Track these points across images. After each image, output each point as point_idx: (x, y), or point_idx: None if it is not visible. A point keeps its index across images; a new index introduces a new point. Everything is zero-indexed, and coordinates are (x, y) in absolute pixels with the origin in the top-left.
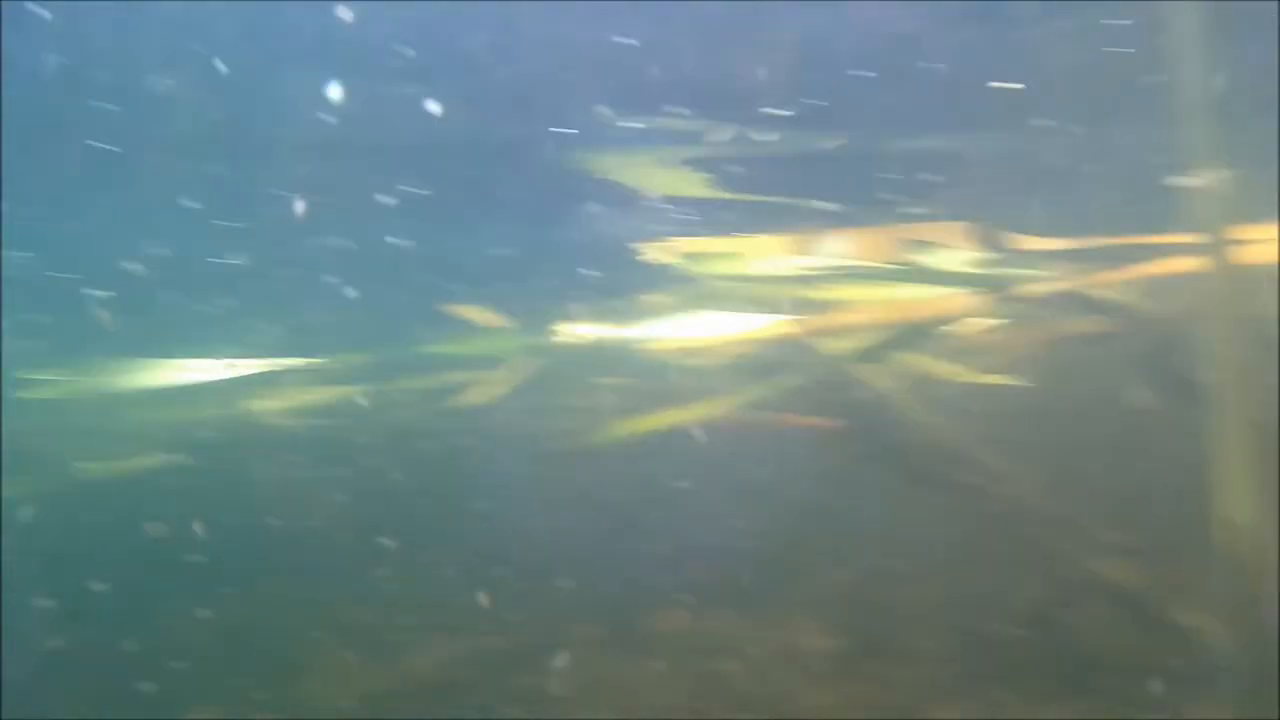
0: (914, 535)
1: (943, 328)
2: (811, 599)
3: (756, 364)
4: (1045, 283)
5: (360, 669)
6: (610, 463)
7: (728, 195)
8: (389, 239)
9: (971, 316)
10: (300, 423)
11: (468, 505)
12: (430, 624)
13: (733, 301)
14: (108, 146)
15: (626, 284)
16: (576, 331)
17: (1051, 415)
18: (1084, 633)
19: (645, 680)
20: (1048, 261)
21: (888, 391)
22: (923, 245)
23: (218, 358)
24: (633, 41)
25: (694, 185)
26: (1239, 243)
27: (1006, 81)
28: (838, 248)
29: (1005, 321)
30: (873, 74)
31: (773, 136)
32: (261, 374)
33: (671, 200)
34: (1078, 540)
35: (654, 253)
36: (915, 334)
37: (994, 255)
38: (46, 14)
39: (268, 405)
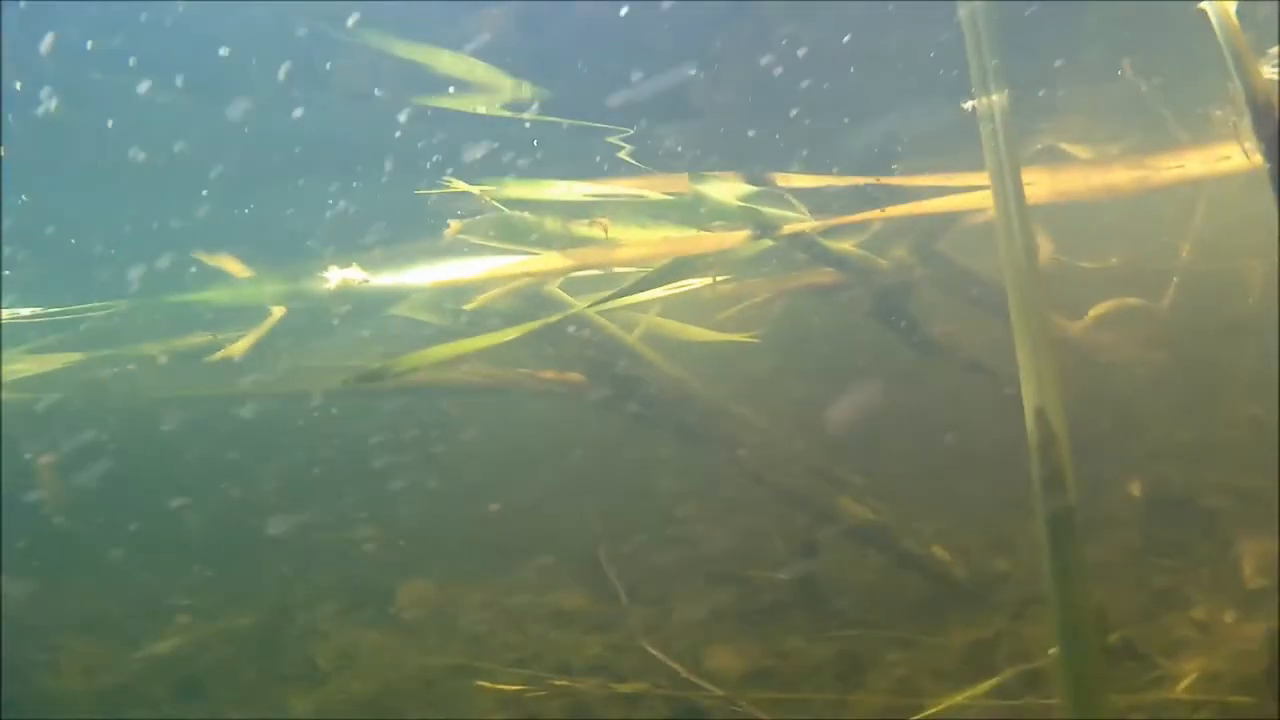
0: (669, 488)
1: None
2: (566, 559)
3: (507, 311)
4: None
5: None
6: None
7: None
8: None
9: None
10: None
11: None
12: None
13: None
14: None
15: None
16: (328, 278)
17: (788, 367)
18: (839, 569)
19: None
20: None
21: (628, 344)
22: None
23: None
24: None
25: None
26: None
27: None
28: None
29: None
30: None
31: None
32: None
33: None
34: (826, 483)
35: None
36: (680, 268)
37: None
38: None
39: None
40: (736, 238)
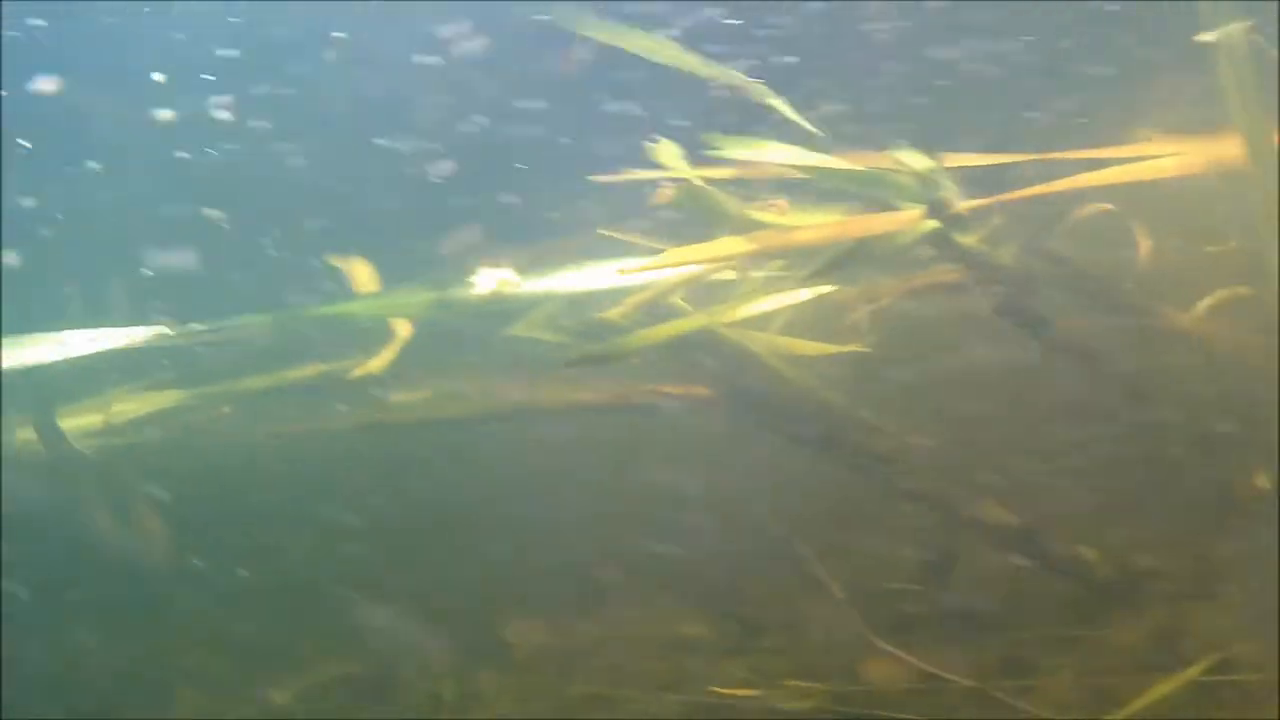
0: (805, 503)
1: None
2: (693, 587)
3: (649, 317)
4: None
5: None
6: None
7: None
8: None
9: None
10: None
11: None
12: None
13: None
14: None
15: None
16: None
17: (916, 371)
18: (983, 575)
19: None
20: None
21: (753, 357)
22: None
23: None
24: None
25: None
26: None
27: None
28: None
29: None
30: None
31: None
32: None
33: None
34: (966, 486)
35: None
36: (857, 252)
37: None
38: None
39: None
40: (910, 217)
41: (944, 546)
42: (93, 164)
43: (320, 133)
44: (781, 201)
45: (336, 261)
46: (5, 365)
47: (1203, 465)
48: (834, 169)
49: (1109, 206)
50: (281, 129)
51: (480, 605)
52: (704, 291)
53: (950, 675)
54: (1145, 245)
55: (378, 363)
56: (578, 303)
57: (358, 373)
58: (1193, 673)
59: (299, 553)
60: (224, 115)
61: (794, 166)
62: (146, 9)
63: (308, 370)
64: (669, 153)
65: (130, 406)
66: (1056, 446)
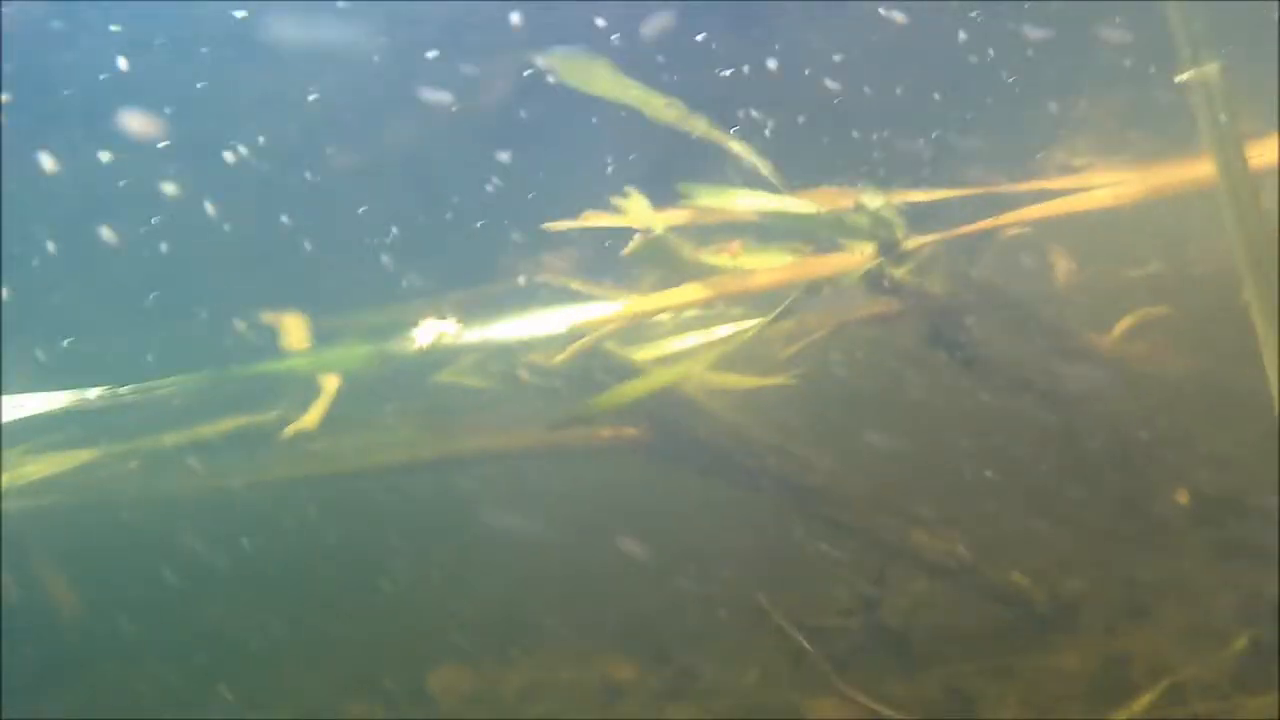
0: (725, 536)
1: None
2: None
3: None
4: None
5: None
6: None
7: None
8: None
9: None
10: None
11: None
12: None
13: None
14: None
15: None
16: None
17: (849, 402)
18: (916, 607)
19: None
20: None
21: (685, 394)
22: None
23: None
24: None
25: None
26: None
27: None
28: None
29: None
30: None
31: None
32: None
33: None
34: (900, 517)
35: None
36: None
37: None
38: None
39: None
40: (860, 257)
41: (877, 579)
42: None
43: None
44: (735, 245)
45: (269, 318)
46: None
47: (1127, 484)
48: (801, 214)
49: (1027, 230)
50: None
51: (403, 655)
52: (631, 331)
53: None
54: (1064, 268)
55: (310, 418)
56: (513, 350)
57: (288, 431)
58: (1144, 701)
59: (210, 608)
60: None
61: (764, 213)
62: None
63: (224, 425)
64: (638, 206)
65: (36, 468)
66: (985, 474)
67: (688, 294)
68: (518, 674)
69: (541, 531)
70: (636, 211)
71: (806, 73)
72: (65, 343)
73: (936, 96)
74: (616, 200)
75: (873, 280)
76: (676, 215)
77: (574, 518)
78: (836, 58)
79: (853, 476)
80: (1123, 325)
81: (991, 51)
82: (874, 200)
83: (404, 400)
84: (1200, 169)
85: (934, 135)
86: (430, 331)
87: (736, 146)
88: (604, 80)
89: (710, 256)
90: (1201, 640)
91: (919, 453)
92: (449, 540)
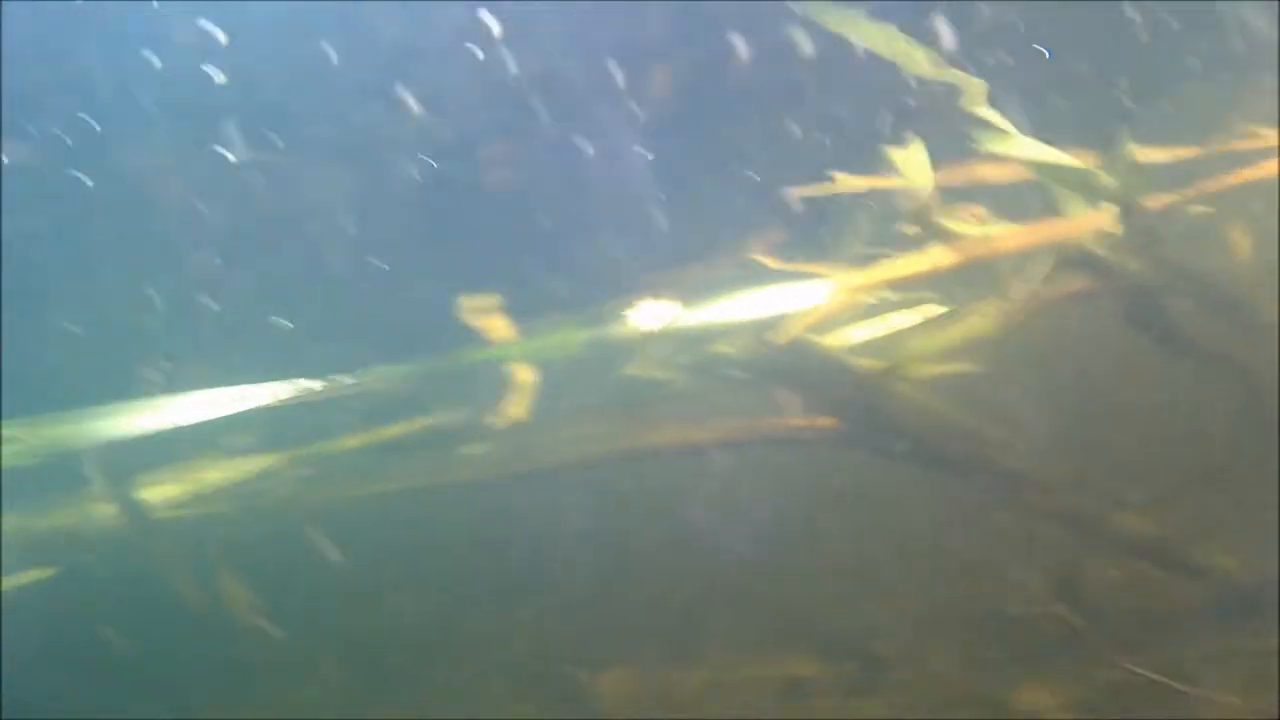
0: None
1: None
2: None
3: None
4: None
5: None
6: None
7: None
8: None
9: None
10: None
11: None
12: None
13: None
14: None
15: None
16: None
17: (1048, 385)
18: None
19: None
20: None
21: (875, 379)
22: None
23: None
24: None
25: None
26: None
27: None
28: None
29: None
30: None
31: None
32: None
33: None
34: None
35: None
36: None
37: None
38: None
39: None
40: (1101, 219)
41: (1076, 563)
42: None
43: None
44: (978, 209)
45: (468, 303)
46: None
47: None
48: (1070, 165)
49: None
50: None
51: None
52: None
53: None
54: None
55: (517, 408)
56: (726, 334)
57: (496, 422)
58: None
59: (388, 618)
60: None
61: (1037, 163)
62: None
63: (409, 426)
64: (916, 159)
65: (215, 475)
66: (1187, 456)
67: (936, 259)
68: (698, 675)
69: (732, 525)
70: (913, 165)
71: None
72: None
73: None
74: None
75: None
76: (889, 181)
77: (768, 510)
78: None
79: (1053, 460)
80: None
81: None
82: (1126, 155)
83: (594, 394)
84: None
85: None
86: (650, 314)
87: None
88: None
89: (953, 222)
90: None
91: (1118, 435)
92: (636, 536)
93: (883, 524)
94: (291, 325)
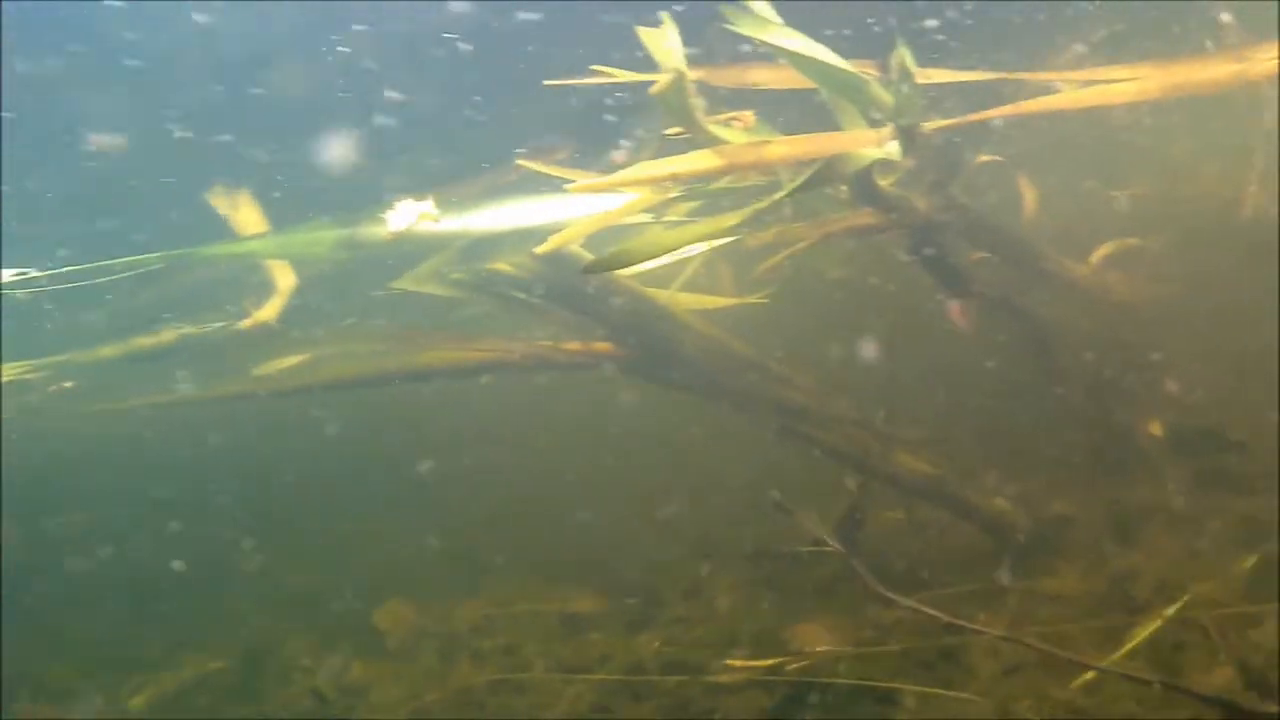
0: (704, 459)
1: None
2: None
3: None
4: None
5: None
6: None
7: None
8: None
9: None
10: None
11: None
12: None
13: None
14: None
15: None
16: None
17: (831, 318)
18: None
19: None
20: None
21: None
22: None
23: None
24: None
25: None
26: None
27: None
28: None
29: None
30: None
31: None
32: None
33: None
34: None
35: None
36: (828, 172)
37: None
38: None
39: None
40: (878, 135)
41: (856, 502)
42: None
43: None
44: (748, 115)
45: (217, 198)
46: None
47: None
48: (838, 68)
49: (1000, 158)
50: None
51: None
52: (606, 238)
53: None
54: (1031, 197)
55: (268, 311)
56: (488, 244)
57: (245, 325)
58: (1169, 612)
59: (146, 541)
60: None
61: (799, 58)
62: None
63: (165, 335)
64: (666, 39)
65: None
66: (963, 397)
67: (699, 161)
68: (472, 608)
69: (505, 454)
70: (661, 47)
71: None
72: None
73: None
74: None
75: (860, 186)
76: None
77: (541, 437)
78: None
79: (833, 395)
80: (1101, 253)
81: None
82: (905, 70)
83: (364, 302)
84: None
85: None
86: (406, 214)
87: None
88: None
89: (719, 128)
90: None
91: (899, 372)
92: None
93: (660, 457)
94: None
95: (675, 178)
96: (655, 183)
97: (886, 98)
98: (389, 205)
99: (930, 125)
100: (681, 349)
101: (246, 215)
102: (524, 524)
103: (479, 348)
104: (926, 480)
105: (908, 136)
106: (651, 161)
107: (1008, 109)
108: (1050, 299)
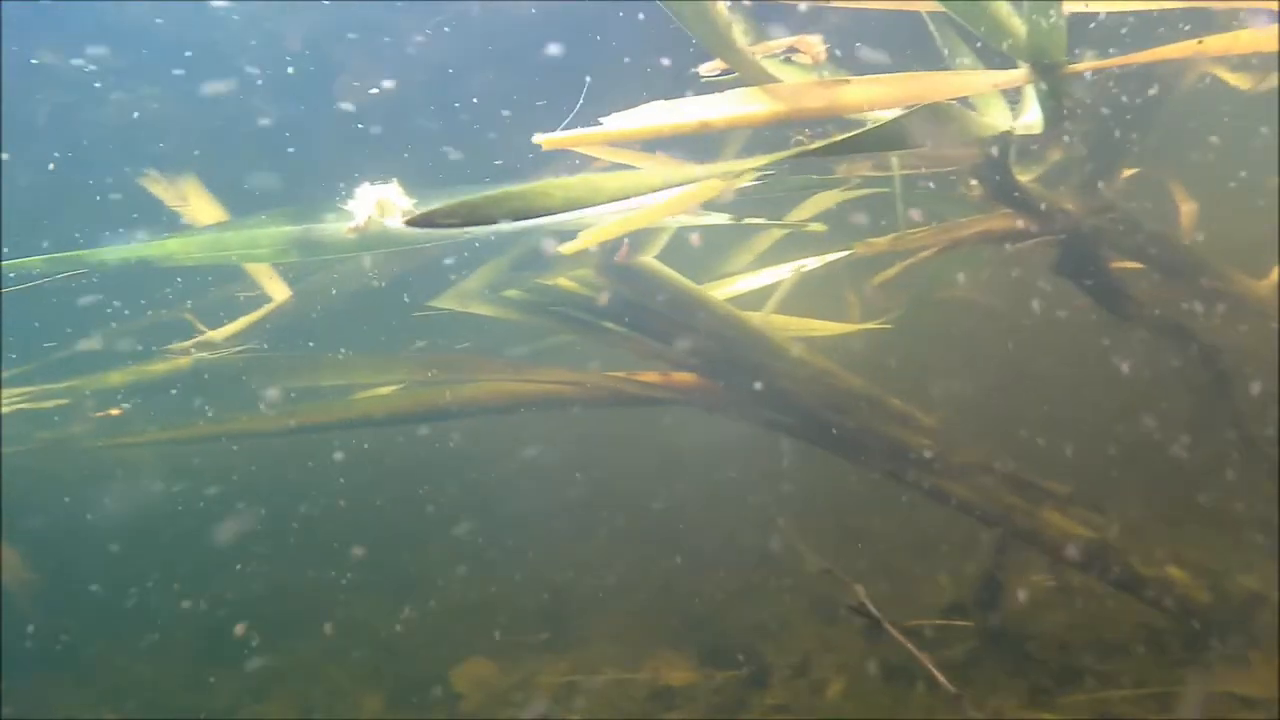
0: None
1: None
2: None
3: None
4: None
5: None
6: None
7: None
8: None
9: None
10: None
11: None
12: None
13: None
14: None
15: None
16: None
17: (961, 343)
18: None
19: None
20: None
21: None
22: None
23: None
24: None
25: None
26: None
27: None
28: None
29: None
30: None
31: None
32: None
33: None
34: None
35: None
36: (926, 120)
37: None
38: None
39: None
40: (1006, 77)
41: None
42: None
43: None
44: (814, 42)
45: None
46: None
47: None
48: None
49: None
50: None
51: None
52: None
53: None
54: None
55: (230, 330)
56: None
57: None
58: None
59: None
60: None
61: None
62: None
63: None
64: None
65: None
66: (1126, 442)
67: (736, 104)
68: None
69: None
70: None
71: None
72: None
73: None
74: None
75: (997, 174)
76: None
77: (620, 481)
78: None
79: (962, 438)
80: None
81: None
82: None
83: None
84: None
85: None
86: (366, 202)
87: None
88: None
89: (773, 62)
90: None
91: (1046, 412)
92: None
93: (753, 508)
94: None
95: (706, 126)
96: (673, 132)
97: (1019, 26)
98: (348, 194)
99: (1078, 66)
100: (776, 380)
101: (197, 202)
102: (615, 575)
103: (536, 378)
104: (1081, 544)
105: (1051, 82)
106: (663, 103)
107: (1164, 50)
108: (1221, 322)
